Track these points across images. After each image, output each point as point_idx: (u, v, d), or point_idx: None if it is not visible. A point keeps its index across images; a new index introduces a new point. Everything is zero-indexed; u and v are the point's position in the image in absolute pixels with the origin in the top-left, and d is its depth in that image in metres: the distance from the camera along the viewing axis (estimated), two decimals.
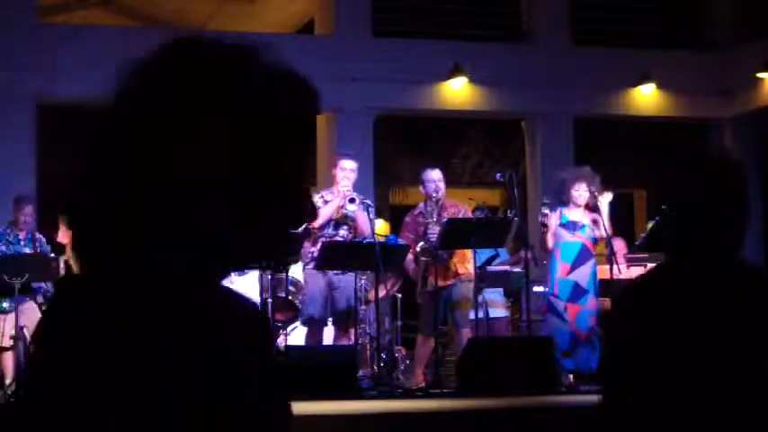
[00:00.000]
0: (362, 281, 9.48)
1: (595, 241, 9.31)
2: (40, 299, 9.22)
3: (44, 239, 9.61)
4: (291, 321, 10.09)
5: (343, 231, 9.15)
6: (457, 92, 12.87)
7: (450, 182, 9.84)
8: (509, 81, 12.95)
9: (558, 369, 8.52)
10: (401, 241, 9.37)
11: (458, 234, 8.87)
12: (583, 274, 9.17)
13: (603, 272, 9.27)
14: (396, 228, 9.57)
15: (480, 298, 9.36)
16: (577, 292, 9.13)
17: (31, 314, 9.31)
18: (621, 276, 9.13)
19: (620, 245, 10.01)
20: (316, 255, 9.01)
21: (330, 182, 9.44)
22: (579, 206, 9.26)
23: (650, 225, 9.53)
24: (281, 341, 10.08)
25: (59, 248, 9.48)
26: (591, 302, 9.13)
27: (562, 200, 9.34)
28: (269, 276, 9.14)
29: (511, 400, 7.09)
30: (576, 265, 9.18)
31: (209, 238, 1.34)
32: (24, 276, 8.82)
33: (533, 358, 8.13)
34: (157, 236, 1.33)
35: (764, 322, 2.63)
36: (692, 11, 14.12)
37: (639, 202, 15.29)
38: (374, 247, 8.62)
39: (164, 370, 1.28)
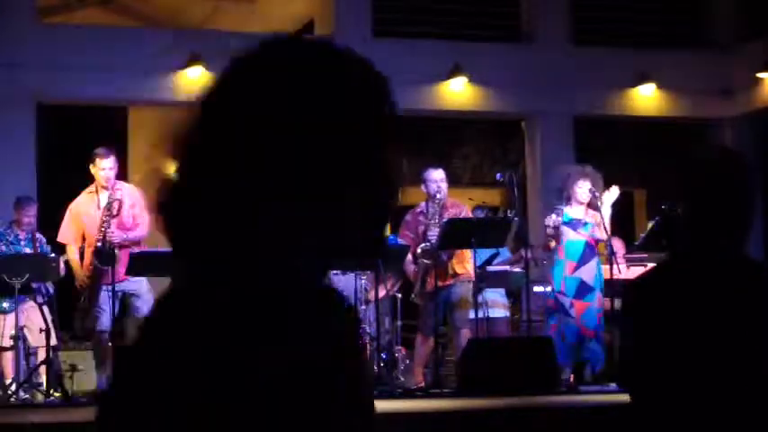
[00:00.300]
0: (362, 281, 9.49)
1: (596, 241, 9.31)
2: (39, 299, 9.21)
3: (44, 239, 9.61)
4: None
5: None
6: (457, 92, 12.86)
7: (451, 182, 9.84)
8: (509, 81, 12.94)
9: (558, 369, 8.52)
10: (401, 241, 9.37)
11: (458, 234, 8.88)
12: (589, 272, 9.18)
13: (604, 272, 9.28)
14: (396, 228, 9.56)
15: (480, 298, 9.36)
16: (583, 290, 9.13)
17: (32, 314, 9.31)
18: (621, 276, 9.13)
19: (617, 245, 10.02)
20: None
21: None
22: (581, 203, 9.26)
23: (650, 225, 9.53)
24: None
25: (59, 248, 9.49)
26: (598, 300, 9.13)
27: (563, 195, 9.33)
28: None
29: (511, 400, 7.09)
30: (581, 262, 9.18)
31: (322, 237, 1.35)
32: (24, 276, 8.82)
33: (533, 358, 8.13)
34: (271, 238, 1.33)
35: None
36: (692, 11, 14.11)
37: (639, 202, 15.29)
38: None
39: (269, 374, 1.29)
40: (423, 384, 9.26)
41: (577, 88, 13.06)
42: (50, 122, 12.20)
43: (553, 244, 9.26)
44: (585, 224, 9.24)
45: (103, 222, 9.04)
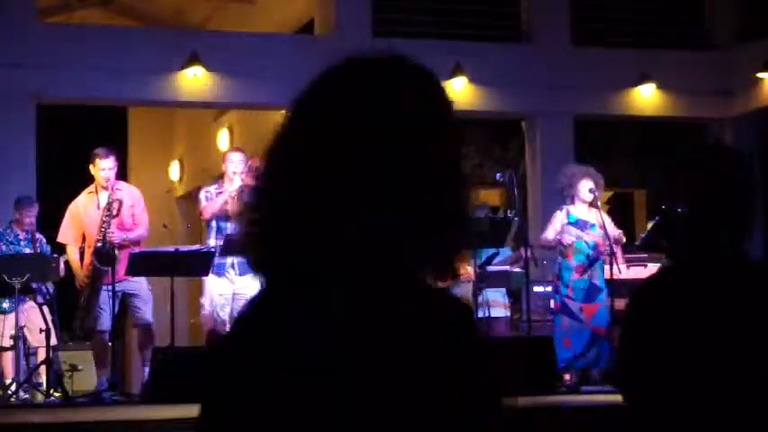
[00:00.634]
0: None
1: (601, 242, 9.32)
2: (39, 299, 9.21)
3: (44, 240, 9.61)
4: None
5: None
6: (457, 92, 12.86)
7: None
8: (509, 81, 12.94)
9: (558, 369, 8.52)
10: None
11: None
12: (597, 272, 9.19)
13: (605, 272, 9.29)
14: None
15: (480, 298, 9.36)
16: (593, 291, 9.14)
17: (31, 314, 9.31)
18: (621, 276, 9.13)
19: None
20: None
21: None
22: (585, 202, 9.26)
23: (650, 225, 9.53)
24: None
25: (59, 248, 9.49)
26: (608, 299, 9.13)
27: (567, 194, 9.33)
28: None
29: (511, 401, 7.09)
30: (589, 263, 9.19)
31: (408, 243, 1.39)
32: (24, 276, 8.81)
33: (533, 358, 8.13)
34: (357, 245, 1.36)
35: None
36: (692, 11, 14.11)
37: (639, 202, 15.29)
38: None
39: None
40: None
41: (577, 88, 13.06)
42: (50, 122, 12.19)
43: (551, 234, 9.27)
44: (593, 225, 9.25)
45: (103, 222, 9.04)
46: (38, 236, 9.58)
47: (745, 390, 2.57)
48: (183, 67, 12.01)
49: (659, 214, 9.23)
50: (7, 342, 9.22)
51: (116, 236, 9.04)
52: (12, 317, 9.08)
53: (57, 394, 8.87)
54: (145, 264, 8.97)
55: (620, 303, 8.34)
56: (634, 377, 2.70)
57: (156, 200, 14.83)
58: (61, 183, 9.87)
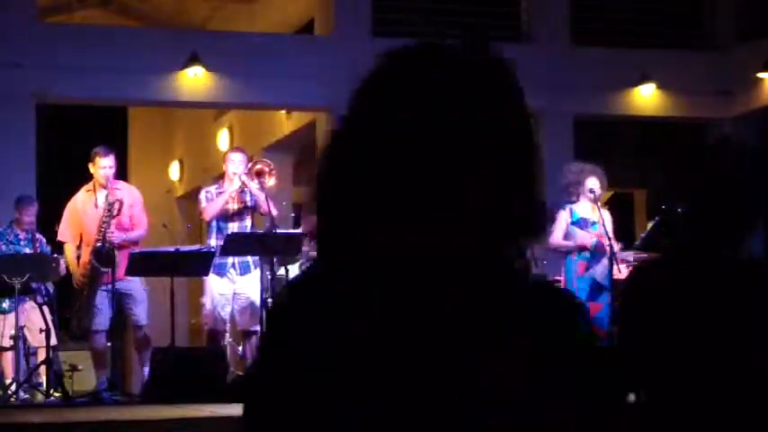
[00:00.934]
0: None
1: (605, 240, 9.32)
2: (39, 299, 9.21)
3: (44, 239, 9.61)
4: None
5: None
6: None
7: None
8: None
9: None
10: None
11: None
12: (600, 271, 9.18)
13: None
14: None
15: None
16: (596, 290, 9.13)
17: (31, 314, 9.31)
18: (622, 276, 9.13)
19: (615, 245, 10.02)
20: (312, 255, 9.08)
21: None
22: (589, 201, 9.27)
23: (650, 225, 9.53)
24: None
25: (59, 248, 9.49)
26: (610, 299, 9.12)
27: (574, 191, 9.33)
28: (269, 276, 9.15)
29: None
30: (592, 261, 9.19)
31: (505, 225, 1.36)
32: (24, 276, 8.82)
33: None
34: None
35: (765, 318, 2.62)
36: (692, 11, 14.11)
37: (639, 202, 15.29)
38: None
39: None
40: None
41: (577, 88, 13.06)
42: (50, 122, 12.19)
43: (557, 236, 9.27)
44: (594, 223, 9.26)
45: (103, 222, 9.04)
46: (38, 236, 9.58)
47: (743, 389, 2.57)
48: (183, 67, 12.01)
49: (659, 214, 9.24)
50: (7, 342, 9.22)
51: (116, 236, 9.04)
52: (12, 317, 9.08)
53: (57, 394, 8.87)
54: (145, 264, 8.97)
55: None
56: (630, 374, 2.70)
57: (156, 200, 14.84)
58: (61, 183, 9.87)
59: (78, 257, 9.29)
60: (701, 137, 13.78)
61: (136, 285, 9.25)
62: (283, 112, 13.84)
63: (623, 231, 9.79)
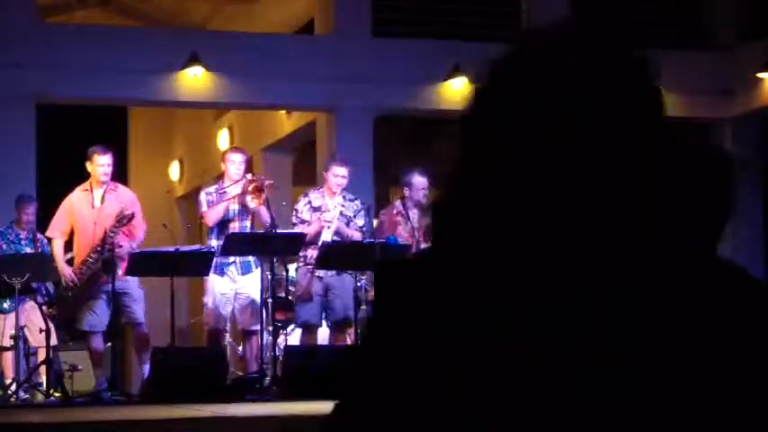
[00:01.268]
0: (362, 281, 9.50)
1: None
2: (39, 299, 9.21)
3: (45, 240, 9.60)
4: (291, 321, 10.10)
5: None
6: (457, 92, 12.85)
7: None
8: None
9: None
10: (401, 241, 9.40)
11: None
12: None
13: None
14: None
15: None
16: None
17: (32, 314, 9.31)
18: None
19: None
20: (309, 257, 9.14)
21: (321, 182, 9.70)
22: None
23: None
24: (281, 341, 10.08)
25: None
26: None
27: None
28: (269, 276, 9.15)
29: None
30: None
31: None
32: (24, 276, 8.82)
33: None
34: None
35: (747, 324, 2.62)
36: (692, 11, 14.11)
37: None
38: (374, 248, 8.65)
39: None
40: None
41: None
42: (50, 122, 12.19)
43: None
44: None
45: (111, 232, 8.97)
46: (39, 236, 9.58)
47: (743, 389, 2.57)
48: (183, 67, 12.01)
49: None
50: (7, 342, 9.22)
51: (125, 248, 9.03)
52: (12, 317, 9.08)
53: (57, 394, 8.87)
54: (145, 264, 8.97)
55: None
56: None
57: (156, 200, 14.84)
58: (61, 183, 9.87)
59: (71, 260, 9.29)
60: (700, 137, 13.76)
61: (132, 284, 9.25)
62: (283, 112, 13.84)
63: None
